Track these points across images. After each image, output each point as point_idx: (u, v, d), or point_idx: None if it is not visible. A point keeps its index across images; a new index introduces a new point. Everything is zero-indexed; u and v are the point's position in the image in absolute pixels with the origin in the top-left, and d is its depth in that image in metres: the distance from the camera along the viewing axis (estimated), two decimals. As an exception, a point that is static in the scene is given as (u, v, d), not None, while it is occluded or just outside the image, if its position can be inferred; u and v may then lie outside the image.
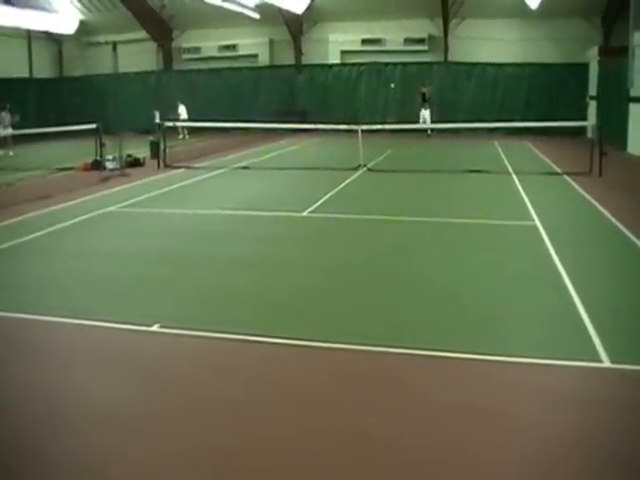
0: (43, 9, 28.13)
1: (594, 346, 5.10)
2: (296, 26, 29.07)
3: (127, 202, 11.90)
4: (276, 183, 14.42)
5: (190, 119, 25.89)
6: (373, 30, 27.89)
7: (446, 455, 3.70)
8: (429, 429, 3.99)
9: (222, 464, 3.65)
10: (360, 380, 4.68)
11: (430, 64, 27.64)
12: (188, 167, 16.82)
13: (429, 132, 25.29)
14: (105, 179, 14.73)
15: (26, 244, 8.79)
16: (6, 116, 21.73)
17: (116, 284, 6.98)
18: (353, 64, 28.85)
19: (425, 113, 25.48)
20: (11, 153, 20.94)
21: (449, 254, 8.09)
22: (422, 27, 27.41)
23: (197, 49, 30.60)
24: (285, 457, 3.71)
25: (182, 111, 26.64)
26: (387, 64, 28.12)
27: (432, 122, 24.56)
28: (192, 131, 26.14)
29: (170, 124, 18.65)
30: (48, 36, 30.97)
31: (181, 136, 25.74)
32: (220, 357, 5.13)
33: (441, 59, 27.65)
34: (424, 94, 25.75)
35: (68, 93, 30.71)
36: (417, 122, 24.48)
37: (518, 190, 12.60)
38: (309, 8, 27.68)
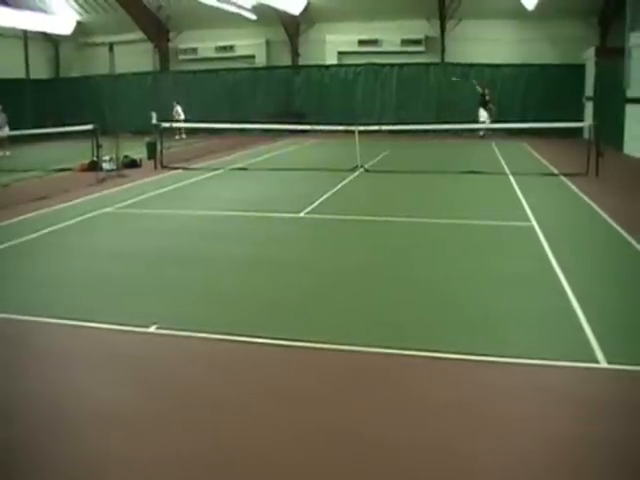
0: (40, 10, 28.11)
1: (591, 347, 5.10)
2: (293, 27, 29.10)
3: (124, 203, 11.89)
4: (273, 184, 14.41)
5: (187, 120, 26.02)
6: (370, 31, 27.92)
7: (439, 456, 3.70)
8: (423, 430, 3.99)
9: (218, 465, 3.65)
10: (355, 381, 4.67)
11: (427, 65, 27.69)
12: (185, 168, 16.81)
13: (482, 133, 24.77)
14: (102, 180, 14.71)
15: (22, 245, 8.77)
16: (0, 116, 21.68)
17: (113, 285, 6.97)
18: (350, 65, 28.87)
19: (483, 113, 24.77)
20: (8, 153, 20.90)
21: (446, 255, 8.09)
22: (419, 28, 27.46)
23: (194, 50, 30.61)
24: (281, 458, 3.70)
25: (180, 111, 26.92)
26: (384, 65, 28.14)
27: (433, 123, 24.18)
28: (189, 132, 26.25)
29: (167, 125, 18.64)
30: (45, 37, 30.95)
31: (177, 136, 25.79)
32: (218, 359, 5.12)
33: (438, 60, 27.68)
34: (484, 95, 25.10)
35: (65, 94, 30.67)
36: (415, 123, 24.28)
37: (515, 191, 12.61)
38: (306, 9, 27.71)
